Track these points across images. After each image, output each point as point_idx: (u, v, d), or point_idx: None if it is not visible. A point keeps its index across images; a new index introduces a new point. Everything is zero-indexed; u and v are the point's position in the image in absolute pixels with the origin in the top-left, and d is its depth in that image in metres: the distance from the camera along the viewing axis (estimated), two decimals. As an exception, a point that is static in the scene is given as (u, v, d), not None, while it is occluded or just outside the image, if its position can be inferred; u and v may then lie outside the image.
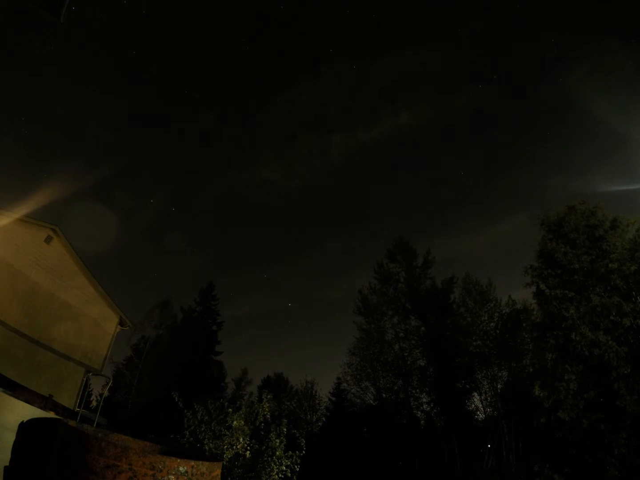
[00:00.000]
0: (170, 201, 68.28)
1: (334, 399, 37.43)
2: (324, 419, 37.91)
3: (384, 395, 29.60)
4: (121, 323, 17.64)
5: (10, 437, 3.46)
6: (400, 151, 68.69)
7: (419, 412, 28.98)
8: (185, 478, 3.24)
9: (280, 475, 7.13)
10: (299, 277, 68.81)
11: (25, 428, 3.58)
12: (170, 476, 3.16)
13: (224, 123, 73.52)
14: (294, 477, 7.35)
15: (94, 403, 38.35)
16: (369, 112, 69.61)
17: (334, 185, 71.30)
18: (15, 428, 3.51)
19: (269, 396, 8.26)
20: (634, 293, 13.15)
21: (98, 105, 63.04)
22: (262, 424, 7.81)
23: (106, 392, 25.12)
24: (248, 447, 7.30)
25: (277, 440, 7.27)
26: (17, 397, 3.93)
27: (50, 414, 4.13)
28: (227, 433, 7.18)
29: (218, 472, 3.67)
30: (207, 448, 6.94)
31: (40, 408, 4.20)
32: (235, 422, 7.29)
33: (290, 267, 69.57)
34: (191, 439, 7.27)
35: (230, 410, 7.48)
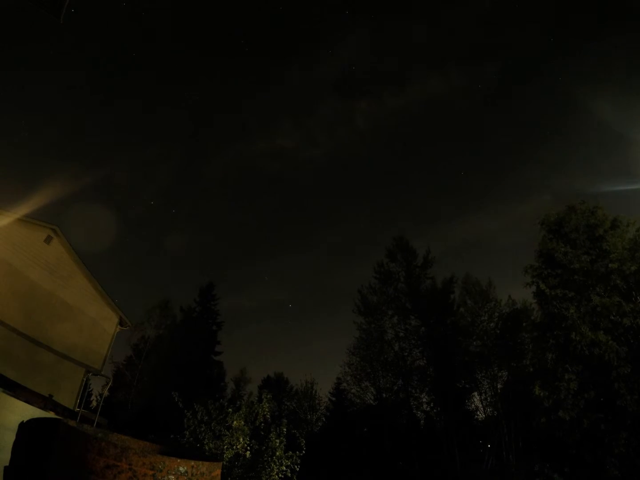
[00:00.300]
0: (171, 200, 68.15)
1: (334, 399, 37.39)
2: (324, 419, 37.86)
3: (384, 395, 29.58)
4: (121, 323, 17.65)
5: (10, 437, 3.46)
6: (414, 131, 66.16)
7: (419, 412, 28.96)
8: (185, 478, 3.25)
9: (280, 475, 7.14)
10: (300, 274, 68.32)
11: (26, 428, 3.58)
12: (170, 476, 3.17)
13: (238, 91, 70.32)
14: (294, 477, 7.36)
15: (94, 403, 38.35)
16: (395, 77, 66.66)
17: (353, 155, 68.08)
18: (16, 428, 3.51)
19: (268, 396, 8.26)
20: (634, 293, 13.16)
21: (98, 104, 63.02)
22: (262, 424, 7.81)
23: (106, 392, 25.12)
24: (248, 447, 7.30)
25: (277, 441, 7.28)
26: (18, 397, 3.93)
27: (51, 414, 4.13)
28: (227, 433, 7.18)
29: (218, 472, 3.67)
30: (207, 448, 6.94)
31: (41, 408, 4.21)
32: (235, 422, 7.30)
33: (291, 264, 69.23)
34: (191, 439, 7.27)
35: (230, 410, 7.48)
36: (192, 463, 3.35)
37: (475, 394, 26.74)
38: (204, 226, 68.60)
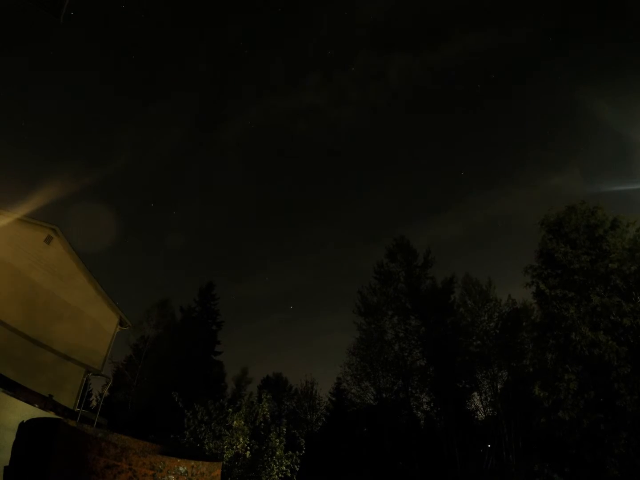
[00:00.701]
0: (171, 201, 68.12)
1: (334, 399, 37.39)
2: (324, 419, 37.87)
3: (384, 395, 29.58)
4: (121, 323, 17.64)
5: (11, 437, 3.46)
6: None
7: (419, 412, 28.98)
8: (185, 478, 3.25)
9: (280, 475, 7.14)
10: (300, 274, 68.25)
11: (26, 428, 3.58)
12: (170, 476, 3.17)
13: (259, 40, 67.65)
14: (294, 477, 7.36)
15: (94, 403, 38.31)
16: (432, 33, 63.29)
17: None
18: (16, 428, 3.52)
19: (268, 396, 8.26)
20: (634, 293, 13.15)
21: (98, 104, 63.03)
22: (262, 424, 7.81)
23: (106, 392, 25.13)
24: (248, 447, 7.31)
25: (277, 440, 7.28)
26: (18, 397, 3.93)
27: (51, 414, 4.13)
28: (227, 433, 7.18)
29: (218, 472, 3.67)
30: (207, 448, 6.95)
31: (41, 408, 4.21)
32: (235, 422, 7.30)
33: (291, 265, 69.09)
34: (191, 439, 7.27)
35: (230, 410, 7.48)
36: (192, 463, 3.35)
37: (475, 394, 26.78)
38: (204, 227, 68.72)
